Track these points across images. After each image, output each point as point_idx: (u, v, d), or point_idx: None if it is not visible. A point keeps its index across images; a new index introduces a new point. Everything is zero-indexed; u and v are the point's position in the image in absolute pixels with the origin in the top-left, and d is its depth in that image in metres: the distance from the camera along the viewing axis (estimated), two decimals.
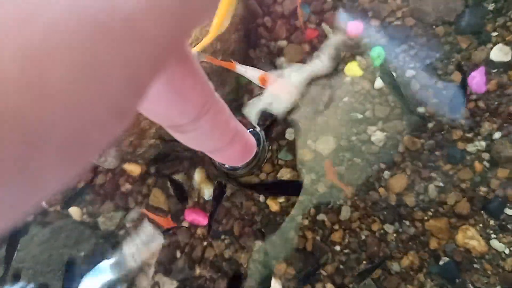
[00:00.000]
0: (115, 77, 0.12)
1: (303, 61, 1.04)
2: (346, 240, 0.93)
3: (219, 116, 0.49)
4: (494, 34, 0.98)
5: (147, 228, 1.00)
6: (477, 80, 0.95)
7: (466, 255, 0.88)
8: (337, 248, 0.93)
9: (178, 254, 0.98)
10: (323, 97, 1.01)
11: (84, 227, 1.02)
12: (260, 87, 0.96)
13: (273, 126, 1.00)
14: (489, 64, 0.96)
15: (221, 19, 0.68)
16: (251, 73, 0.83)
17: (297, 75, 1.02)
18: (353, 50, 1.03)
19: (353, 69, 1.01)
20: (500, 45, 0.96)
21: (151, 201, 1.02)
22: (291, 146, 1.00)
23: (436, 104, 0.96)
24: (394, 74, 0.98)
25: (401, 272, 0.90)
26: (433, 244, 0.90)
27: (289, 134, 1.01)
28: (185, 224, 1.00)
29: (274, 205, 0.97)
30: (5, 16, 0.10)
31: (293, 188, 0.97)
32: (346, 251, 0.93)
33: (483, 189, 0.91)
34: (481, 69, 0.95)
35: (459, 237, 0.89)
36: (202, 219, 0.98)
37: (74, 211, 1.04)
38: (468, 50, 0.99)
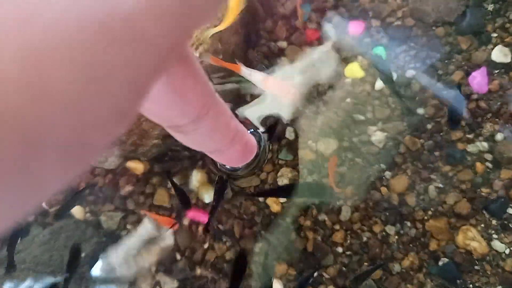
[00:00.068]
0: (116, 77, 0.12)
1: (304, 62, 1.04)
2: (348, 241, 0.93)
3: (220, 116, 0.49)
4: (494, 35, 0.98)
5: (148, 228, 1.00)
6: (478, 80, 0.95)
7: (467, 257, 0.88)
8: (339, 249, 0.93)
9: (179, 256, 0.98)
10: (324, 98, 1.01)
11: (86, 226, 1.02)
12: (262, 89, 0.96)
13: (275, 128, 1.00)
14: (491, 64, 0.96)
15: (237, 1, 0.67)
16: (256, 76, 0.83)
17: (298, 76, 1.02)
18: (354, 50, 1.03)
19: (354, 69, 1.01)
20: (500, 46, 0.96)
21: (155, 200, 1.02)
22: (292, 146, 1.00)
23: (436, 104, 0.96)
24: (394, 74, 0.98)
25: (401, 273, 0.90)
26: (433, 245, 0.90)
27: (290, 134, 1.01)
28: (186, 221, 1.00)
29: (275, 205, 0.97)
30: (5, 16, 0.10)
31: (285, 191, 0.97)
32: (348, 252, 0.92)
33: (485, 190, 0.91)
34: (483, 70, 0.95)
35: (460, 238, 0.89)
36: (202, 218, 0.98)
37: (77, 210, 1.04)
38: (468, 50, 0.99)
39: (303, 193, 0.96)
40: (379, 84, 0.99)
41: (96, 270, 0.97)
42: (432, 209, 0.92)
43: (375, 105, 0.99)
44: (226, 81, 0.98)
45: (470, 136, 0.94)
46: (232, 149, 0.68)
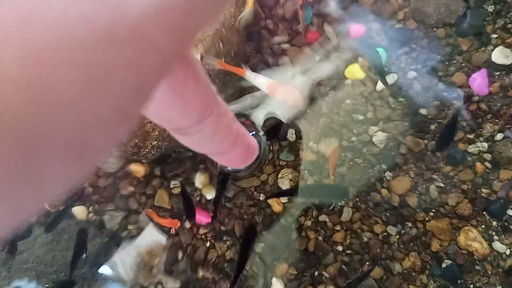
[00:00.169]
0: (116, 77, 0.12)
1: (305, 63, 1.04)
2: (348, 241, 0.93)
3: (222, 118, 0.49)
4: (494, 36, 0.98)
5: (150, 228, 1.00)
6: (478, 82, 0.95)
7: (469, 258, 0.88)
8: (339, 248, 0.93)
9: (180, 255, 0.98)
10: (325, 99, 1.01)
11: (89, 226, 1.02)
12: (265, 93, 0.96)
13: (276, 129, 1.00)
14: (491, 66, 0.96)
15: None
16: (260, 81, 0.83)
17: (300, 78, 1.03)
18: (355, 51, 1.03)
19: (355, 71, 1.01)
20: (500, 48, 0.96)
21: (156, 201, 1.02)
22: (293, 147, 1.00)
23: (438, 105, 0.97)
24: (395, 75, 0.98)
25: (403, 273, 0.90)
26: (435, 246, 0.90)
27: (291, 135, 1.01)
28: (187, 224, 1.00)
29: (276, 205, 0.97)
30: (5, 16, 0.10)
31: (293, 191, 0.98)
32: (348, 252, 0.93)
33: (484, 190, 0.91)
34: (483, 71, 0.95)
35: (461, 239, 0.89)
36: (204, 218, 0.98)
37: (79, 211, 1.04)
38: (469, 52, 0.99)
39: (316, 194, 0.97)
40: (380, 85, 0.99)
41: (101, 270, 0.98)
42: (433, 209, 0.92)
43: (376, 105, 0.99)
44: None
45: (471, 136, 0.94)
46: (234, 151, 0.68)
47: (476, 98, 0.95)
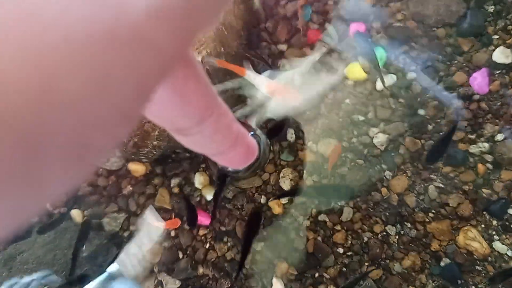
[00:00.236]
0: (116, 77, 0.12)
1: (305, 63, 1.04)
2: (349, 241, 0.93)
3: (222, 119, 0.49)
4: (496, 37, 0.98)
5: (151, 229, 1.01)
6: (479, 81, 0.95)
7: (468, 257, 0.88)
8: (340, 250, 0.93)
9: (181, 255, 0.99)
10: (325, 99, 1.01)
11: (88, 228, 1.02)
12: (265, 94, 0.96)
13: (277, 129, 1.00)
14: (492, 65, 0.96)
15: None
16: (259, 81, 0.83)
17: (299, 78, 1.03)
18: (355, 52, 1.03)
19: (355, 71, 1.01)
20: (501, 48, 0.96)
21: (156, 201, 1.02)
22: (293, 148, 1.00)
23: (437, 106, 0.97)
24: (395, 76, 0.98)
25: (402, 273, 0.90)
26: (435, 245, 0.90)
27: (291, 135, 1.01)
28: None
29: (276, 207, 0.97)
30: (5, 16, 0.10)
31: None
32: (349, 253, 0.93)
33: (485, 190, 0.91)
34: (483, 71, 0.95)
35: (460, 238, 0.89)
36: (205, 219, 0.99)
37: (76, 214, 1.04)
38: (469, 52, 0.99)
39: (322, 194, 0.97)
40: (380, 85, 0.99)
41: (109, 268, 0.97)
42: (433, 210, 0.92)
43: (377, 105, 0.99)
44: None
45: (472, 136, 0.94)
46: (234, 151, 0.67)
47: (476, 97, 0.95)
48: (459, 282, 0.87)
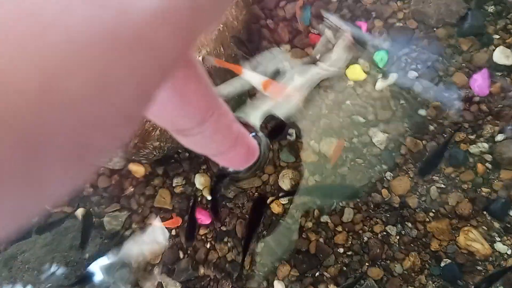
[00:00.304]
0: (118, 79, 0.12)
1: (305, 64, 1.04)
2: (349, 242, 0.93)
3: (223, 119, 0.49)
4: (496, 37, 0.98)
5: (151, 229, 1.01)
6: (479, 83, 0.95)
7: (469, 257, 0.88)
8: (340, 250, 0.93)
9: (181, 254, 0.99)
10: (325, 100, 1.01)
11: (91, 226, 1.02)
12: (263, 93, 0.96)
13: (276, 130, 1.00)
14: (492, 66, 0.96)
15: None
16: (256, 78, 0.83)
17: (300, 78, 1.03)
18: (355, 52, 1.03)
19: (355, 71, 1.01)
20: (501, 48, 0.96)
21: (156, 202, 1.02)
22: (293, 148, 1.00)
23: (438, 106, 0.96)
24: (395, 75, 0.98)
25: (403, 274, 0.90)
26: (435, 245, 0.90)
27: (291, 136, 1.01)
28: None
29: (276, 207, 0.97)
30: (5, 16, 0.10)
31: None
32: (349, 253, 0.93)
33: (485, 189, 0.91)
34: (484, 72, 0.95)
35: (461, 239, 0.89)
36: (205, 218, 0.99)
37: (80, 213, 1.04)
38: (469, 52, 0.99)
39: (328, 194, 0.97)
40: (380, 85, 0.99)
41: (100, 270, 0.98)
42: (433, 209, 0.92)
43: (377, 106, 0.99)
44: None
45: (472, 137, 0.94)
46: (234, 152, 0.67)
47: (477, 99, 0.95)
48: (459, 282, 0.87)
